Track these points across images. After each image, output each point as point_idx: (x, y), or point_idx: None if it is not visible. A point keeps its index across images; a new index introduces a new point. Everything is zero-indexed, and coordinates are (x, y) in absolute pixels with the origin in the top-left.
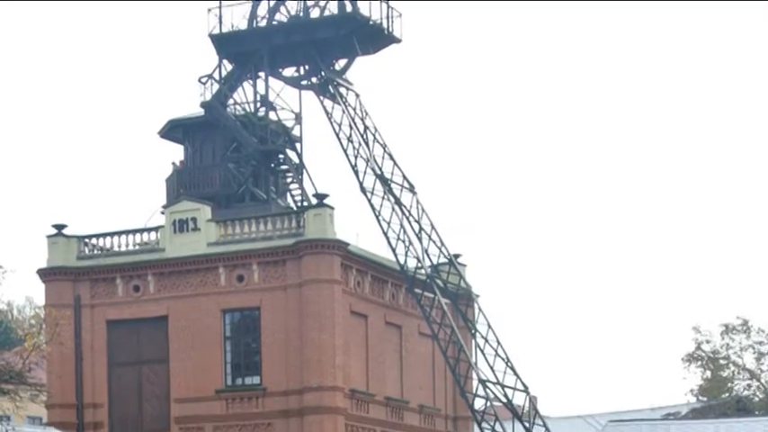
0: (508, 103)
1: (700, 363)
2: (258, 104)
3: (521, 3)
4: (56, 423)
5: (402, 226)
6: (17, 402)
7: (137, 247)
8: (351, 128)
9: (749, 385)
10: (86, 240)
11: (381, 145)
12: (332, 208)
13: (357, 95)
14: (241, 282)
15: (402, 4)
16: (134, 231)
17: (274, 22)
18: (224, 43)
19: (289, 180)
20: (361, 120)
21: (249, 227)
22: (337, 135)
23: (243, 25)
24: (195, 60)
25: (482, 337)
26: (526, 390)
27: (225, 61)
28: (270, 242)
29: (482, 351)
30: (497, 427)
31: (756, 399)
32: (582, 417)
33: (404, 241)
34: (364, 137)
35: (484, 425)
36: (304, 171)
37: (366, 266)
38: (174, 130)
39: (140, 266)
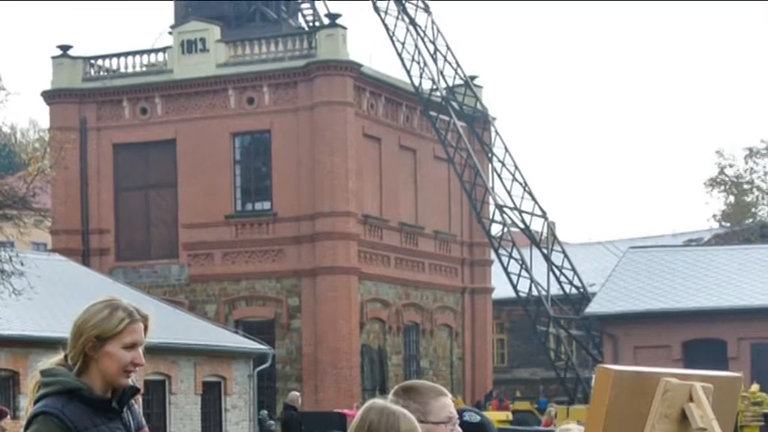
0: None
1: (723, 187)
2: None
3: None
4: (60, 249)
5: (417, 47)
6: (21, 228)
7: (144, 69)
8: None
9: None
10: (92, 61)
11: None
12: (344, 28)
13: None
14: (251, 104)
15: None
16: (141, 52)
17: None
18: None
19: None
20: None
21: (259, 48)
22: None
23: None
24: None
25: (499, 160)
26: (544, 215)
27: None
28: (281, 63)
29: (499, 175)
30: (514, 253)
31: None
32: (601, 243)
33: (418, 62)
34: None
35: (501, 251)
36: None
37: (380, 88)
38: None
39: (147, 88)
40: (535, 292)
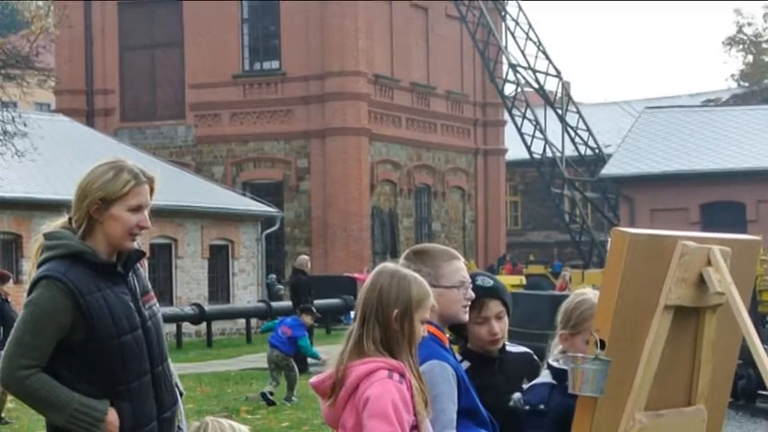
0: None
1: (741, 46)
2: None
3: None
4: (64, 109)
5: None
6: (24, 88)
7: None
8: None
9: None
10: None
11: None
12: None
13: None
14: None
15: None
16: None
17: None
18: None
19: None
20: None
21: None
22: None
23: None
24: None
25: (512, 19)
26: (558, 75)
27: None
28: None
29: (512, 34)
30: (528, 113)
31: None
32: (617, 103)
33: None
34: None
35: (514, 111)
36: None
37: None
38: None
39: None
40: (549, 154)
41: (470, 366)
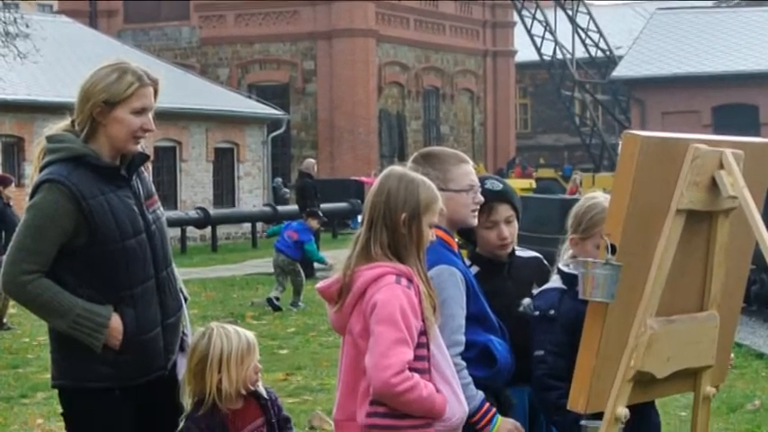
0: None
1: None
2: None
3: None
4: (67, 11)
5: None
6: None
7: None
8: None
9: None
10: None
11: None
12: None
13: None
14: None
15: None
16: None
17: None
18: None
19: None
20: None
21: None
22: None
23: None
24: None
25: None
26: None
27: None
28: None
29: None
30: (538, 14)
31: None
32: (628, 4)
33: None
34: None
35: (524, 12)
36: None
37: None
38: None
39: None
40: (559, 55)
41: (479, 271)
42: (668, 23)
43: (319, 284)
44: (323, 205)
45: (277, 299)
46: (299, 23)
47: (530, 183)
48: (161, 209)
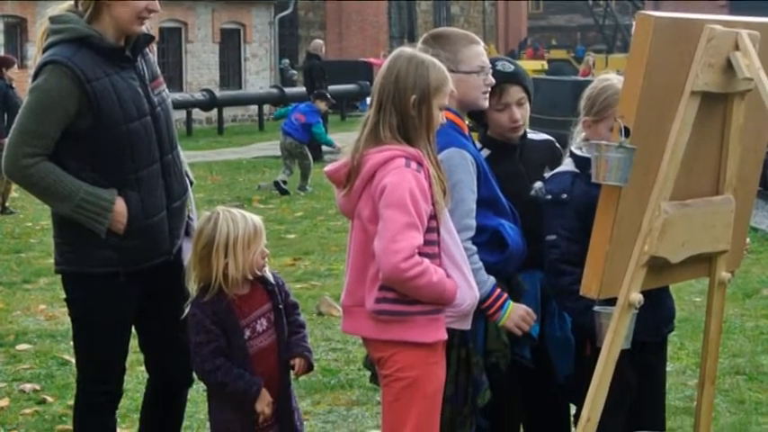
0: None
1: None
2: None
3: None
4: None
5: None
6: None
7: None
8: None
9: None
10: None
11: None
12: None
13: None
14: None
15: None
16: None
17: None
18: None
19: None
20: None
21: None
22: None
23: None
24: None
25: None
26: None
27: None
28: None
29: None
30: None
31: None
32: None
33: None
34: None
35: None
36: None
37: None
38: None
39: None
40: None
41: (490, 154)
42: None
43: (327, 168)
44: (331, 87)
45: (284, 182)
46: None
47: (541, 64)
48: (166, 91)
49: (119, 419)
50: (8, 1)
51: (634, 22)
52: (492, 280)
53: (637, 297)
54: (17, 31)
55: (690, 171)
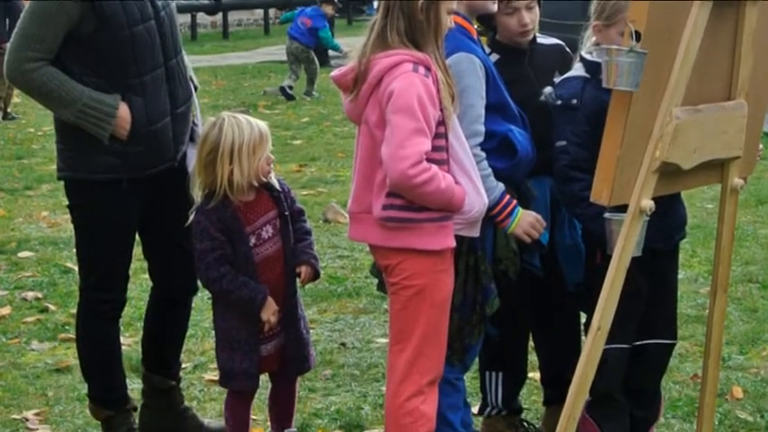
0: None
1: None
2: None
3: None
4: None
5: None
6: None
7: None
8: None
9: None
10: None
11: None
12: None
13: None
14: None
15: None
16: None
17: None
18: None
19: None
20: None
21: None
22: None
23: None
24: None
25: None
26: None
27: None
28: None
29: None
30: None
31: None
32: None
33: None
34: None
35: None
36: None
37: None
38: None
39: None
40: None
41: (499, 59)
42: None
43: (334, 72)
44: None
45: (290, 87)
46: None
47: None
48: None
49: (122, 328)
50: None
51: None
52: (501, 186)
53: (648, 204)
54: None
55: (702, 76)
